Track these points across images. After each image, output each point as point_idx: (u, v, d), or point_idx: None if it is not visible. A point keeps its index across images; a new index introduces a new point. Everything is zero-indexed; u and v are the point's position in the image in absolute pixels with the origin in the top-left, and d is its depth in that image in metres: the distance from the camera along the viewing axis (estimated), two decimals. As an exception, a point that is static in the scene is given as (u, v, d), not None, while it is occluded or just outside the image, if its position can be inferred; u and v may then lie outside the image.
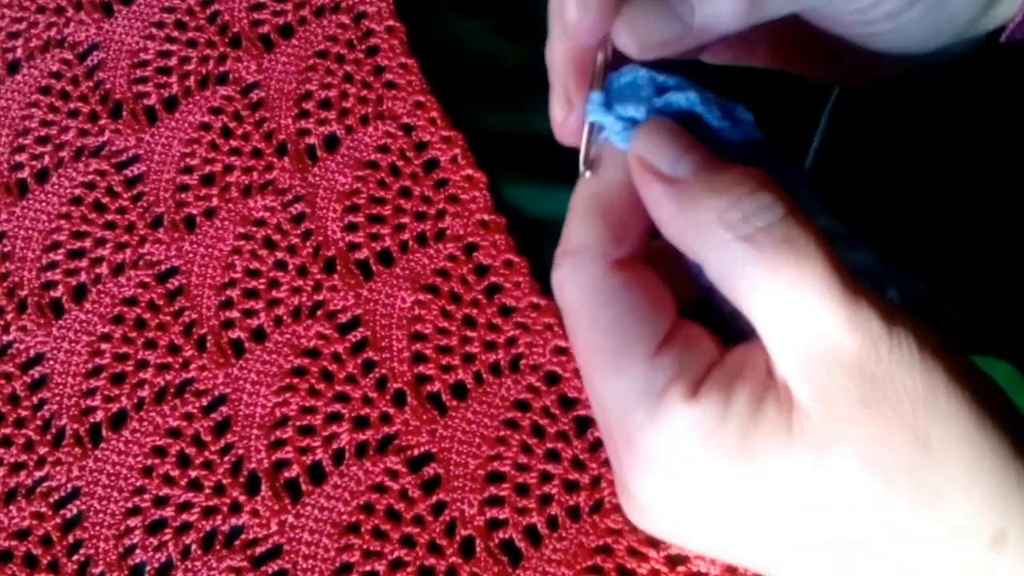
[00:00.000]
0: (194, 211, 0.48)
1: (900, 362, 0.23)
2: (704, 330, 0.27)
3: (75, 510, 0.43)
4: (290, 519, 0.42)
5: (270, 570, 0.41)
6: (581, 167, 0.30)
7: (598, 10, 0.28)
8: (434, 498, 0.41)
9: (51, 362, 0.46)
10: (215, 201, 0.48)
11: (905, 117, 0.39)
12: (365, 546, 0.41)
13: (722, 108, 0.28)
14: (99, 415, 0.45)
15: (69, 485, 0.44)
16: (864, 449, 0.23)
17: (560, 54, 0.31)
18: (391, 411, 0.43)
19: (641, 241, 0.28)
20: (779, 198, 0.25)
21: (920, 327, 0.24)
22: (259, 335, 0.45)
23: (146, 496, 0.43)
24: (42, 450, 0.44)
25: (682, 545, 0.29)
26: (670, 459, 0.26)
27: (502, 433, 0.42)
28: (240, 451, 0.43)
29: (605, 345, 0.27)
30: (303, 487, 0.42)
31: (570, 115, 0.30)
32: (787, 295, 0.24)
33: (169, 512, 0.43)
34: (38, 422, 0.45)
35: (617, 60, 0.30)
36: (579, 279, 0.27)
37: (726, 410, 0.25)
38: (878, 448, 0.23)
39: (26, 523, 0.43)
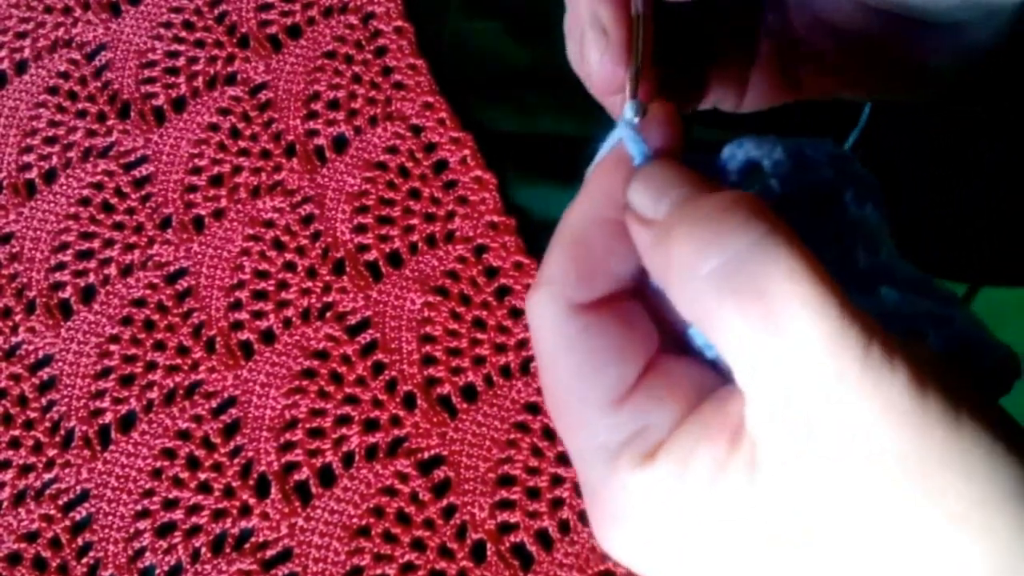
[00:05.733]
0: (203, 212, 0.48)
1: (891, 414, 0.20)
2: (688, 367, 0.25)
3: (84, 512, 0.43)
4: (300, 522, 0.42)
5: (280, 573, 0.41)
6: (628, 114, 0.27)
7: None
8: (445, 501, 0.41)
9: (60, 363, 0.46)
10: (224, 202, 0.48)
11: (932, 144, 0.39)
12: (376, 549, 0.41)
13: (744, 167, 0.26)
14: (108, 417, 0.45)
15: (78, 487, 0.44)
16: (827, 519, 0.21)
17: None
18: (401, 413, 0.43)
19: (616, 282, 0.26)
20: (753, 218, 0.22)
21: (928, 370, 0.21)
22: (268, 337, 0.45)
23: (156, 498, 0.43)
24: (51, 452, 0.44)
25: None
26: (628, 517, 0.24)
27: (513, 436, 0.42)
28: (250, 453, 0.43)
29: (565, 394, 0.25)
30: (313, 490, 0.42)
31: (605, 54, 0.28)
32: (758, 335, 0.21)
33: (179, 515, 0.43)
34: (47, 424, 0.45)
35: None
36: (547, 312, 0.26)
37: (681, 477, 0.23)
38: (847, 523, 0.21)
39: (35, 525, 0.43)
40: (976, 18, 0.32)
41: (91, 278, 0.48)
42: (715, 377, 0.25)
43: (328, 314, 0.45)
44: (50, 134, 0.51)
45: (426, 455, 0.42)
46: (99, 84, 0.52)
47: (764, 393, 0.21)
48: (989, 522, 0.20)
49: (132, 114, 0.51)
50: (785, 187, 0.25)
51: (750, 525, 0.22)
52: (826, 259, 0.22)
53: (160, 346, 0.46)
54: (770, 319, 0.21)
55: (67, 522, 0.43)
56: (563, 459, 0.41)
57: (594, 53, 0.29)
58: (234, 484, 0.43)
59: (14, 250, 0.49)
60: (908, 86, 0.34)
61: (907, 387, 0.20)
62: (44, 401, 0.46)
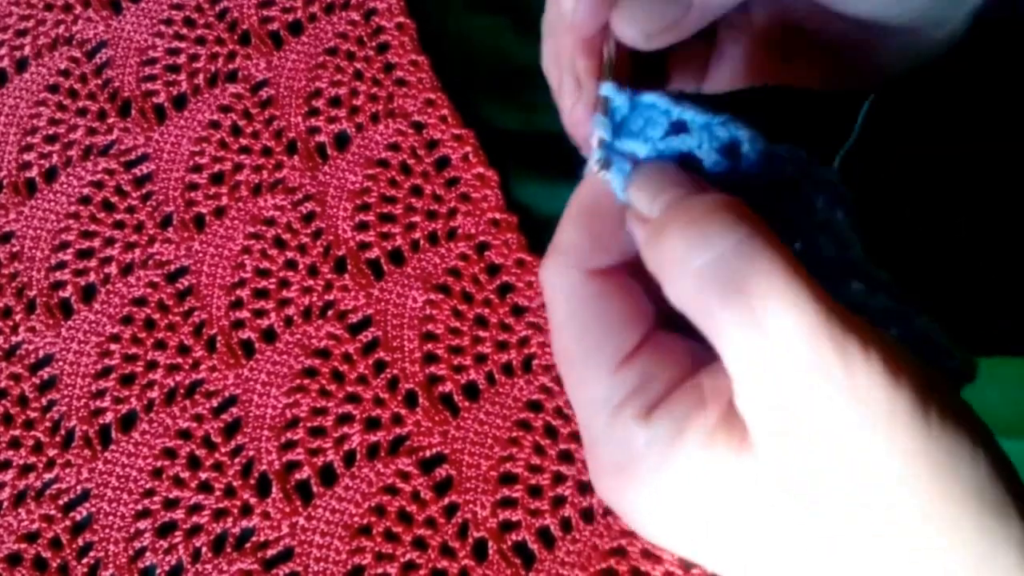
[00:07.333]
0: (204, 210, 0.48)
1: (864, 405, 0.22)
2: (682, 343, 0.27)
3: (85, 512, 0.43)
4: (301, 521, 0.41)
5: (281, 573, 0.41)
6: (593, 166, 0.29)
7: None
8: (446, 500, 0.41)
9: (60, 363, 0.46)
10: (225, 200, 0.48)
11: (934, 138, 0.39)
12: (377, 548, 0.41)
13: (724, 145, 0.27)
14: (108, 416, 0.45)
15: (79, 487, 0.44)
16: (811, 497, 0.23)
17: (568, 44, 0.31)
18: (403, 412, 0.43)
19: (624, 253, 0.28)
20: (738, 221, 0.23)
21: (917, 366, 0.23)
22: (269, 335, 0.45)
23: (156, 498, 0.43)
24: (51, 452, 0.44)
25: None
26: (622, 471, 0.26)
27: (515, 434, 0.42)
28: (251, 453, 0.43)
29: (573, 352, 0.28)
30: (314, 489, 0.42)
31: (579, 102, 0.31)
32: (743, 331, 0.23)
33: (179, 514, 0.42)
34: (47, 424, 0.45)
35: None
36: (559, 279, 0.28)
37: (677, 438, 0.25)
38: (828, 503, 0.23)
39: (35, 526, 0.43)
40: (930, 23, 0.33)
41: (91, 277, 0.47)
42: (707, 351, 0.26)
43: (329, 312, 0.45)
44: (50, 132, 0.51)
45: (428, 453, 0.42)
46: (100, 82, 0.51)
47: (750, 382, 0.23)
48: (955, 519, 0.22)
49: (133, 112, 0.50)
50: (756, 177, 0.27)
51: (735, 494, 0.24)
52: (795, 251, 0.24)
53: (161, 345, 0.46)
54: (753, 315, 0.23)
55: (67, 522, 0.43)
56: (565, 457, 0.41)
57: (567, 100, 0.32)
58: (235, 483, 0.43)
59: (14, 249, 0.48)
60: (859, 82, 0.36)
61: (881, 377, 0.22)
62: (44, 401, 0.45)
